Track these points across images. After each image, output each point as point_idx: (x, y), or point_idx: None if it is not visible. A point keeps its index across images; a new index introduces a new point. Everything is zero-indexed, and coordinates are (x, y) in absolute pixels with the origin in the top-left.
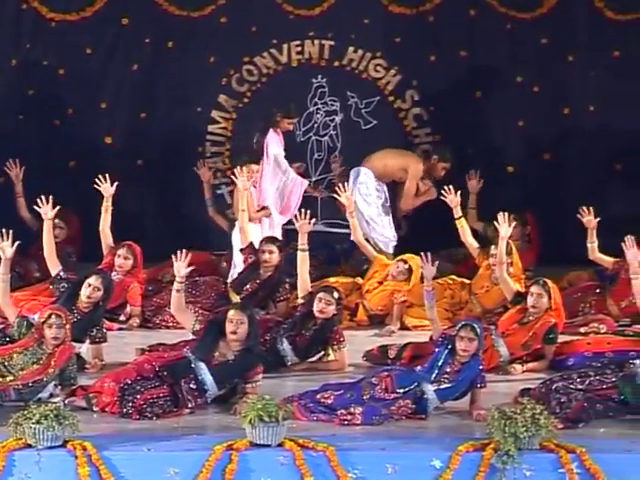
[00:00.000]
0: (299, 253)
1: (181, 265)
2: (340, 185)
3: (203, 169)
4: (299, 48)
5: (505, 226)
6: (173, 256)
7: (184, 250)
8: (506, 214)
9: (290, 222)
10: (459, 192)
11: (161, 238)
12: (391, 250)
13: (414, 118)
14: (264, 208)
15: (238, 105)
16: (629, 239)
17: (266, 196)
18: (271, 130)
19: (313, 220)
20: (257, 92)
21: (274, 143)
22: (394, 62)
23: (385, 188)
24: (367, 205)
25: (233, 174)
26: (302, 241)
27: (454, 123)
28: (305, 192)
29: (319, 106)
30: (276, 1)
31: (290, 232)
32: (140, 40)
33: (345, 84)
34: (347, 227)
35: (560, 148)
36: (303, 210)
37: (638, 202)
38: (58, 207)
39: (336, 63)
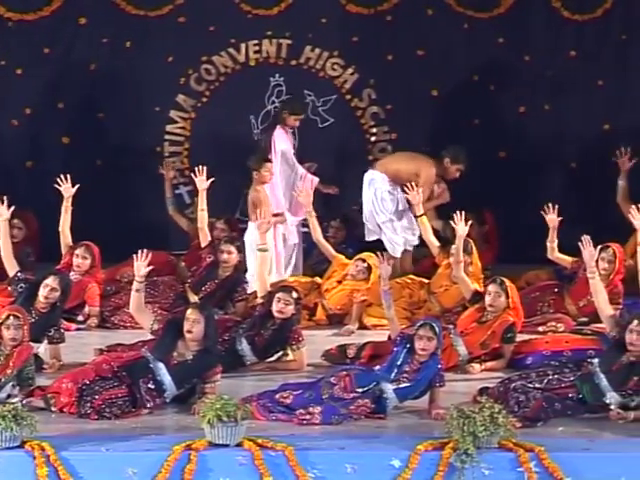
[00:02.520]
0: (258, 253)
1: (141, 264)
2: (300, 186)
3: (167, 168)
4: (257, 47)
5: (462, 225)
6: (134, 255)
7: (144, 250)
8: (462, 213)
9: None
10: (420, 190)
11: (119, 238)
12: (398, 255)
13: (371, 117)
14: (279, 215)
15: (196, 105)
16: (585, 238)
17: (277, 192)
18: (278, 127)
19: (273, 220)
20: (215, 91)
21: (281, 140)
22: (351, 61)
23: (399, 191)
24: (379, 210)
25: (192, 173)
26: (261, 241)
27: (411, 122)
28: (316, 189)
29: (277, 105)
30: (234, 1)
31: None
32: (98, 40)
33: (302, 83)
34: (305, 226)
35: (516, 147)
36: (262, 209)
37: (593, 201)
38: (13, 207)
39: (293, 62)
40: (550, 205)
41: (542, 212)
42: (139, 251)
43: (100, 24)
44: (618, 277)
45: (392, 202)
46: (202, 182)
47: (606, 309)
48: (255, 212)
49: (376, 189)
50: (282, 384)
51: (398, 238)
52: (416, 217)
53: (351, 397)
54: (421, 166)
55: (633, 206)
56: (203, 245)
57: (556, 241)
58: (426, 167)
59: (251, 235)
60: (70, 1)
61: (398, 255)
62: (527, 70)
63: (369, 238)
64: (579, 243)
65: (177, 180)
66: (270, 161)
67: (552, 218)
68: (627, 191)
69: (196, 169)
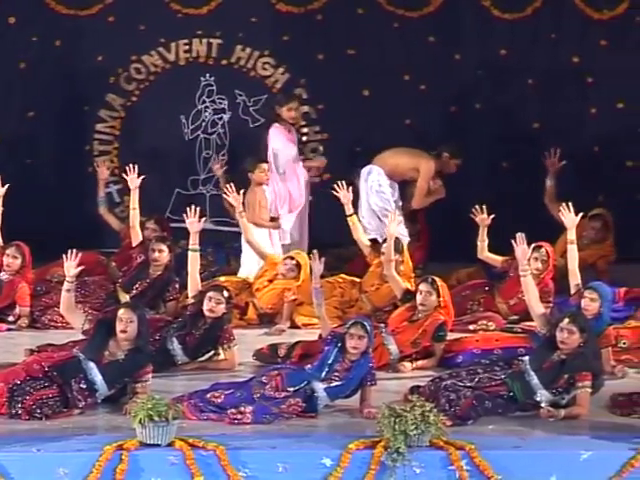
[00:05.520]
0: (190, 253)
1: (71, 265)
2: (228, 186)
3: (102, 167)
4: (187, 47)
5: (393, 224)
6: (64, 255)
7: (74, 250)
8: (396, 212)
9: (181, 220)
10: (350, 188)
11: (50, 237)
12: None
13: (302, 116)
14: (274, 219)
15: (126, 104)
16: (519, 236)
17: (276, 190)
18: (273, 125)
19: (204, 219)
20: (145, 91)
21: (276, 138)
22: (282, 60)
23: (396, 186)
24: (381, 202)
25: (123, 172)
26: (193, 241)
27: (342, 121)
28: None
29: (207, 104)
30: (164, 0)
31: (179, 230)
32: (27, 39)
33: (233, 82)
34: (236, 225)
35: (448, 146)
36: (193, 207)
37: (523, 200)
38: None
39: (224, 61)
40: (478, 207)
41: (472, 215)
42: (68, 251)
43: (30, 23)
44: (549, 276)
45: (391, 195)
46: (134, 180)
47: (537, 307)
48: (252, 212)
49: (373, 182)
50: (213, 383)
51: (402, 229)
52: (347, 217)
53: (282, 396)
54: (420, 161)
55: (563, 204)
56: (134, 244)
57: (486, 240)
58: (425, 162)
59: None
60: None
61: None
62: (458, 69)
63: (368, 236)
64: (512, 240)
65: (107, 179)
66: (265, 161)
67: (483, 218)
68: (554, 191)
69: (127, 168)
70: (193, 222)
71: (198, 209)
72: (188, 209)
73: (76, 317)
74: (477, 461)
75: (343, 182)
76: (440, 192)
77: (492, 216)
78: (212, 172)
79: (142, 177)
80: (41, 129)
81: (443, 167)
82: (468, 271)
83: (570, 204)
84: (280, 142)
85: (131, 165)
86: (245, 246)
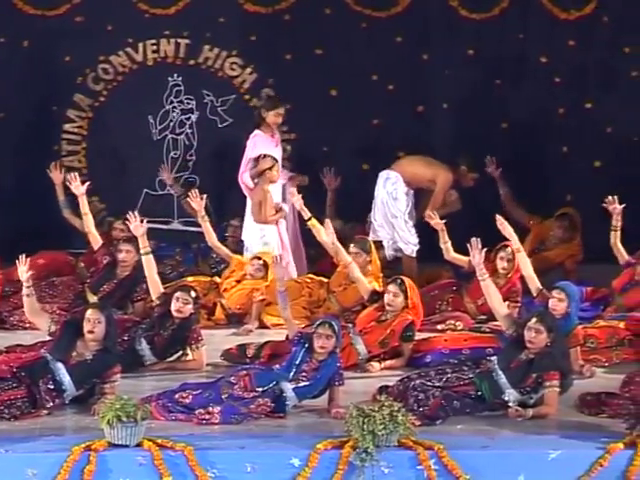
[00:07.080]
0: (143, 257)
1: (22, 270)
2: (193, 191)
3: (55, 172)
4: (155, 47)
5: (323, 232)
6: (17, 260)
7: (24, 255)
8: (328, 221)
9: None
10: (300, 195)
11: (19, 238)
12: (414, 254)
13: None
14: (280, 210)
15: (94, 104)
16: (474, 241)
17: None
18: (255, 131)
19: (145, 220)
20: (113, 91)
21: (261, 144)
22: (250, 60)
23: (412, 194)
24: (394, 208)
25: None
26: (143, 244)
27: (310, 121)
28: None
29: (175, 104)
30: (131, 0)
31: (147, 231)
32: None
33: (201, 82)
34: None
35: (414, 146)
36: (131, 212)
37: (493, 200)
38: None
39: (192, 62)
40: (430, 213)
41: (427, 219)
42: (20, 256)
43: None
44: (516, 275)
45: (406, 203)
46: (78, 187)
47: (500, 309)
48: (259, 211)
49: (391, 189)
50: (182, 384)
51: (412, 238)
52: (306, 221)
53: (251, 396)
54: (438, 173)
55: (497, 216)
56: (95, 248)
57: (449, 242)
58: (443, 174)
59: (249, 235)
60: None
61: (414, 255)
62: (426, 69)
63: (374, 237)
64: (468, 245)
65: (63, 181)
66: (276, 160)
67: (437, 222)
68: (511, 195)
69: (68, 176)
70: (137, 226)
71: (137, 212)
72: (129, 214)
73: (42, 320)
74: (445, 461)
75: (293, 189)
76: (456, 205)
77: (444, 221)
78: (181, 172)
79: (87, 183)
80: (10, 130)
81: (460, 180)
82: (436, 271)
83: (499, 216)
84: (265, 149)
85: (72, 174)
86: (248, 224)
